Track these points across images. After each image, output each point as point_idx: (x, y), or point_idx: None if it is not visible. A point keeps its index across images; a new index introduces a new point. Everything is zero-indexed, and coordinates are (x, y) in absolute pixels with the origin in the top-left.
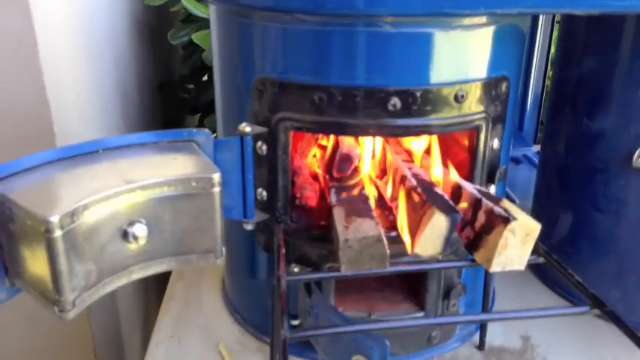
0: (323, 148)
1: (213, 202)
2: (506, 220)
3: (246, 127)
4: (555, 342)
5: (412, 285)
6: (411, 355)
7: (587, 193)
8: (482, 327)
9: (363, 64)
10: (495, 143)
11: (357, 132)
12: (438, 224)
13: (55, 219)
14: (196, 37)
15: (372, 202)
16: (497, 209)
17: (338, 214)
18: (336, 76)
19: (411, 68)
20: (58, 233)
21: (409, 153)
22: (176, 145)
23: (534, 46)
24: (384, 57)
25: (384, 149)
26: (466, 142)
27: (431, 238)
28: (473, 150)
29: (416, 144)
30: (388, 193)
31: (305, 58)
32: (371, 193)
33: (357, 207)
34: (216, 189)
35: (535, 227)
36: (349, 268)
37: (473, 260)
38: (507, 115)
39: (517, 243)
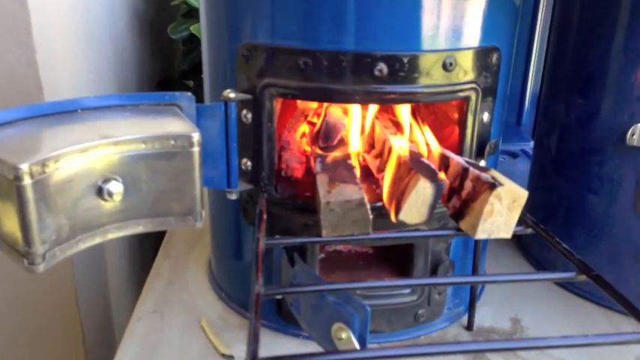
0: (312, 124)
1: (192, 162)
2: (493, 185)
3: (230, 93)
4: (546, 324)
5: (399, 262)
6: (398, 333)
7: (581, 175)
8: (471, 307)
9: (350, 29)
10: (485, 116)
11: (342, 98)
12: (423, 191)
13: (24, 166)
14: (195, 29)
15: (361, 175)
16: (483, 176)
17: (321, 180)
18: (321, 40)
19: (398, 33)
20: (27, 181)
21: (398, 126)
22: (157, 108)
23: (533, 43)
24: (372, 21)
25: (372, 123)
26: (456, 114)
27: (416, 206)
28: (462, 122)
29: (405, 116)
30: (375, 165)
31: (290, 22)
32: (358, 166)
33: (341, 174)
34: (196, 148)
35: (522, 194)
36: (331, 233)
37: (459, 230)
38: (498, 88)
39: (503, 210)
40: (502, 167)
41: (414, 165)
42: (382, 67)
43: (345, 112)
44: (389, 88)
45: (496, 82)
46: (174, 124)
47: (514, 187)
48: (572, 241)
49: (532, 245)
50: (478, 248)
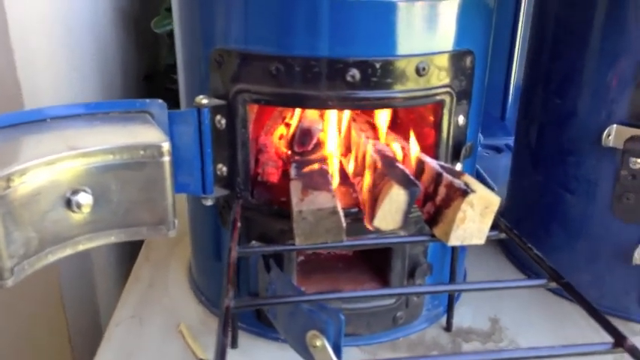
0: (289, 126)
1: (163, 171)
2: (465, 192)
3: (202, 100)
4: (524, 324)
5: (378, 265)
6: (377, 336)
7: (558, 175)
8: (450, 308)
9: (322, 35)
10: (461, 119)
11: (315, 104)
12: (396, 198)
13: None
14: None
15: (337, 179)
16: (456, 182)
17: (295, 187)
18: (294, 46)
19: (370, 39)
20: None
21: (375, 130)
22: (128, 115)
23: (516, 37)
24: (344, 27)
25: (349, 126)
26: (431, 118)
27: (390, 212)
28: (437, 125)
29: (382, 120)
30: (351, 169)
31: (262, 28)
32: (335, 170)
33: (315, 181)
34: (166, 158)
35: (494, 200)
36: (304, 241)
37: (433, 236)
38: (473, 91)
39: (476, 216)
40: (486, 162)
41: (387, 171)
42: (355, 73)
43: (322, 116)
44: (362, 93)
45: (471, 86)
46: (144, 133)
47: (486, 193)
48: (551, 240)
49: (513, 244)
50: (455, 251)
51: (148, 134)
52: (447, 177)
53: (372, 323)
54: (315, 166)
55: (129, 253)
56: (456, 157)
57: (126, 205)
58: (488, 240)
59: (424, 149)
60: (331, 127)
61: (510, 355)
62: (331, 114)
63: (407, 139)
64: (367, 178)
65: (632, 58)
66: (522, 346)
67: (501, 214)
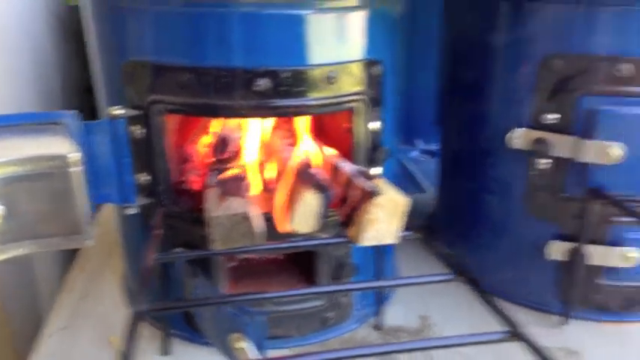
0: (212, 135)
1: (71, 182)
2: (373, 194)
3: (115, 110)
4: (453, 320)
5: (307, 268)
6: (308, 337)
7: (478, 177)
8: (379, 307)
9: (232, 46)
10: (375, 124)
11: (227, 113)
12: (310, 202)
13: None
14: None
15: (260, 185)
16: (366, 185)
17: (211, 194)
18: (204, 57)
19: (279, 49)
20: None
21: (294, 135)
22: (41, 127)
23: None
24: (253, 38)
25: (270, 134)
26: (346, 124)
27: (304, 216)
28: (352, 131)
29: (301, 127)
30: (272, 176)
31: (172, 40)
32: (256, 176)
33: (232, 187)
34: (74, 169)
35: (402, 201)
36: (221, 246)
37: (348, 237)
38: (385, 98)
39: (385, 217)
40: (424, 165)
41: (301, 176)
42: (265, 83)
43: (242, 124)
44: (272, 102)
45: (382, 93)
46: (54, 144)
47: (395, 195)
48: (478, 239)
49: (440, 241)
50: (380, 253)
51: (57, 145)
52: (358, 181)
53: (302, 325)
54: (232, 173)
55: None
56: (372, 161)
57: (36, 216)
58: (420, 239)
59: (342, 154)
60: (252, 134)
61: (419, 345)
62: (251, 122)
63: (326, 144)
64: (283, 184)
65: (531, 66)
66: None
67: (434, 214)
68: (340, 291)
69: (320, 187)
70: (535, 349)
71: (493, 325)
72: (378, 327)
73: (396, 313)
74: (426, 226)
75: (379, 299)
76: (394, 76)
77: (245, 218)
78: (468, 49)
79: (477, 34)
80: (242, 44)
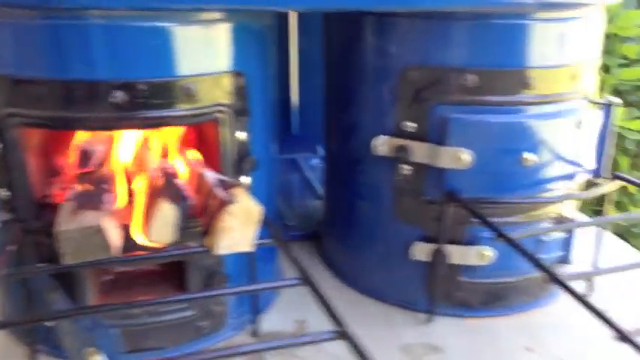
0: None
1: None
2: (227, 203)
3: None
4: (328, 323)
5: (181, 279)
6: (182, 348)
7: (351, 183)
8: (255, 314)
9: (86, 59)
10: (242, 135)
11: (84, 127)
12: (166, 213)
13: None
14: None
15: (125, 198)
16: (222, 195)
17: (65, 208)
18: (60, 70)
19: (136, 61)
20: None
21: (164, 147)
22: None
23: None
24: (107, 51)
25: (140, 146)
26: (212, 135)
27: (162, 227)
28: (217, 142)
29: (171, 138)
30: (137, 188)
31: (28, 53)
32: (121, 188)
33: (87, 201)
34: None
35: (255, 210)
36: (71, 260)
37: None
38: (252, 109)
39: (239, 225)
40: (319, 173)
41: (159, 187)
42: (120, 95)
43: (111, 137)
44: (129, 114)
45: (247, 104)
46: None
47: (248, 204)
48: (354, 243)
49: (326, 246)
50: (254, 261)
51: None
52: (216, 190)
53: (176, 335)
54: (89, 186)
55: None
56: (239, 170)
57: None
58: (306, 244)
59: (210, 164)
60: (119, 146)
61: (250, 349)
62: (117, 134)
63: (196, 155)
64: (143, 195)
65: (392, 77)
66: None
67: (322, 220)
68: (182, 300)
69: (176, 197)
70: (357, 349)
71: (365, 325)
72: (255, 333)
73: (274, 319)
74: (315, 232)
75: (256, 306)
76: (261, 88)
77: (98, 231)
78: (340, 60)
79: (346, 46)
80: (97, 57)
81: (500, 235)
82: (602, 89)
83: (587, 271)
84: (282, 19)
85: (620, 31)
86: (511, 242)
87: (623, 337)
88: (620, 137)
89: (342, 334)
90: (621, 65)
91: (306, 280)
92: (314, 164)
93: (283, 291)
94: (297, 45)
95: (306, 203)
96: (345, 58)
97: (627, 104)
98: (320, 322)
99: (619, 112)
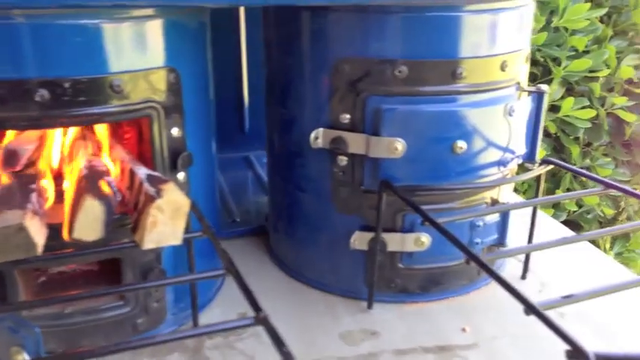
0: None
1: None
2: (153, 198)
3: None
4: (272, 315)
5: (116, 277)
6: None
7: (292, 176)
8: (194, 309)
9: (7, 57)
10: (175, 131)
11: (9, 126)
12: (91, 209)
13: None
14: None
15: (54, 196)
16: (149, 189)
17: None
18: None
19: (59, 59)
20: None
21: (97, 144)
22: None
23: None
24: (29, 48)
25: (72, 144)
26: (145, 131)
27: (88, 223)
28: (150, 138)
29: (104, 135)
30: (67, 186)
31: None
32: (51, 187)
33: (14, 199)
34: None
35: (183, 203)
36: None
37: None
38: (185, 106)
39: (167, 219)
40: None
41: (86, 184)
42: (44, 93)
43: (40, 136)
44: (54, 112)
45: (180, 100)
46: None
47: (175, 197)
48: (297, 235)
49: (272, 240)
50: (191, 255)
51: None
52: (145, 185)
53: (112, 333)
54: (18, 185)
55: None
56: (173, 166)
57: None
58: (255, 239)
59: (144, 161)
60: (50, 145)
61: (166, 338)
62: (50, 133)
63: (131, 151)
64: (70, 193)
65: (326, 72)
66: (262, 334)
67: (268, 215)
68: (100, 295)
69: (102, 194)
70: (273, 334)
71: (310, 315)
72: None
73: (216, 314)
74: (262, 227)
75: (195, 301)
76: (195, 84)
77: (20, 230)
78: (278, 55)
79: (284, 41)
80: (22, 55)
81: (429, 220)
82: (552, 81)
83: (502, 250)
84: (233, 16)
85: (569, 24)
86: (438, 227)
87: (531, 309)
88: (572, 126)
89: (260, 320)
90: (570, 57)
91: (229, 270)
92: (266, 162)
93: (226, 285)
94: (246, 43)
95: (258, 199)
96: (282, 52)
97: (577, 94)
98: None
99: (568, 102)
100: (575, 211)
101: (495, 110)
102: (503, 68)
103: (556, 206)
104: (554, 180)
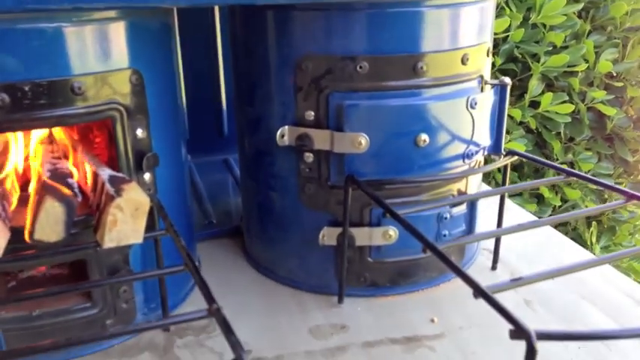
0: None
1: None
2: (112, 197)
3: None
4: (243, 312)
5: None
6: (89, 347)
7: (261, 175)
8: (164, 309)
9: None
10: (140, 132)
11: None
12: (52, 210)
13: None
14: None
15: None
16: (109, 189)
17: None
18: None
19: (16, 63)
20: None
21: (61, 147)
22: None
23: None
24: None
25: (32, 146)
26: (109, 132)
27: (49, 225)
28: (113, 139)
29: (70, 137)
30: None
31: None
32: (16, 190)
33: None
34: None
35: (143, 202)
36: None
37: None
38: (150, 107)
39: (127, 218)
40: None
41: (47, 186)
42: (4, 97)
43: (5, 140)
44: (13, 116)
45: (144, 101)
46: None
47: (135, 196)
48: (268, 233)
49: (246, 240)
50: (159, 255)
51: None
52: (106, 186)
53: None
54: None
55: None
56: (139, 167)
57: None
58: (231, 240)
59: (109, 161)
60: (13, 148)
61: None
62: (12, 136)
63: (96, 153)
64: (32, 195)
65: (290, 69)
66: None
67: (242, 215)
68: (59, 293)
69: (63, 195)
70: (225, 325)
71: (279, 310)
72: (166, 328)
73: (186, 310)
74: (238, 228)
75: (165, 301)
76: (159, 85)
77: None
78: (244, 54)
79: (249, 40)
80: None
81: (390, 212)
82: (531, 77)
83: (464, 238)
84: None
85: (547, 20)
86: (399, 219)
87: (479, 292)
88: (552, 122)
89: (212, 312)
90: (549, 52)
91: (186, 265)
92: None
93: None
94: (223, 46)
95: (236, 201)
96: (248, 51)
97: (557, 89)
98: (236, 312)
99: (547, 98)
100: (560, 206)
101: (457, 103)
102: (464, 62)
103: (540, 202)
104: (537, 176)
